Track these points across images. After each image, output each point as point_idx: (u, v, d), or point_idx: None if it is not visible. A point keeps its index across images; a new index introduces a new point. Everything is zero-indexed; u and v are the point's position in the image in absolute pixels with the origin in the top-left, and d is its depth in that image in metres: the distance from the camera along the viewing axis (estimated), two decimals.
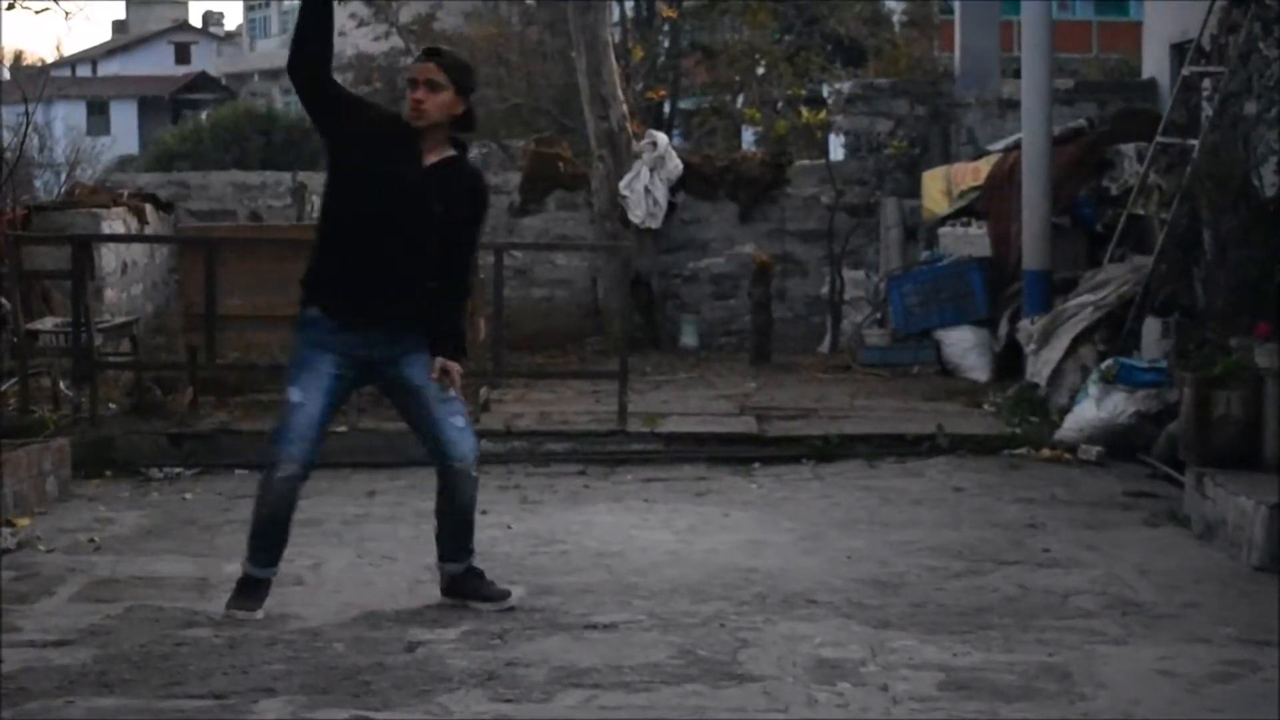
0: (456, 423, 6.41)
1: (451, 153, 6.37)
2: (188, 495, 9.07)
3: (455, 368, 6.38)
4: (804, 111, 17.69)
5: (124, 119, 60.29)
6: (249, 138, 35.22)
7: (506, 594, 6.55)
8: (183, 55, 70.34)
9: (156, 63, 67.83)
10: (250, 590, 6.39)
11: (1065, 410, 10.41)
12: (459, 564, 6.58)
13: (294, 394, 6.30)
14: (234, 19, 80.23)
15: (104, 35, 76.66)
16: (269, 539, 6.41)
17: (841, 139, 16.04)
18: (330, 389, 6.32)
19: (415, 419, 6.48)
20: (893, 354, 13.24)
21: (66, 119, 40.97)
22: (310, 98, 6.30)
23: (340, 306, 6.29)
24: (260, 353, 11.97)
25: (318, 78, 6.29)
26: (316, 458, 6.35)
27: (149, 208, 14.03)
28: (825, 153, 16.12)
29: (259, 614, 6.31)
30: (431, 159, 6.30)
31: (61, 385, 10.53)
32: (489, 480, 9.42)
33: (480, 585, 6.57)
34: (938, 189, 14.11)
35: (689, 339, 14.84)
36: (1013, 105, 14.09)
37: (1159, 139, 11.71)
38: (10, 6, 11.47)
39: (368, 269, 6.25)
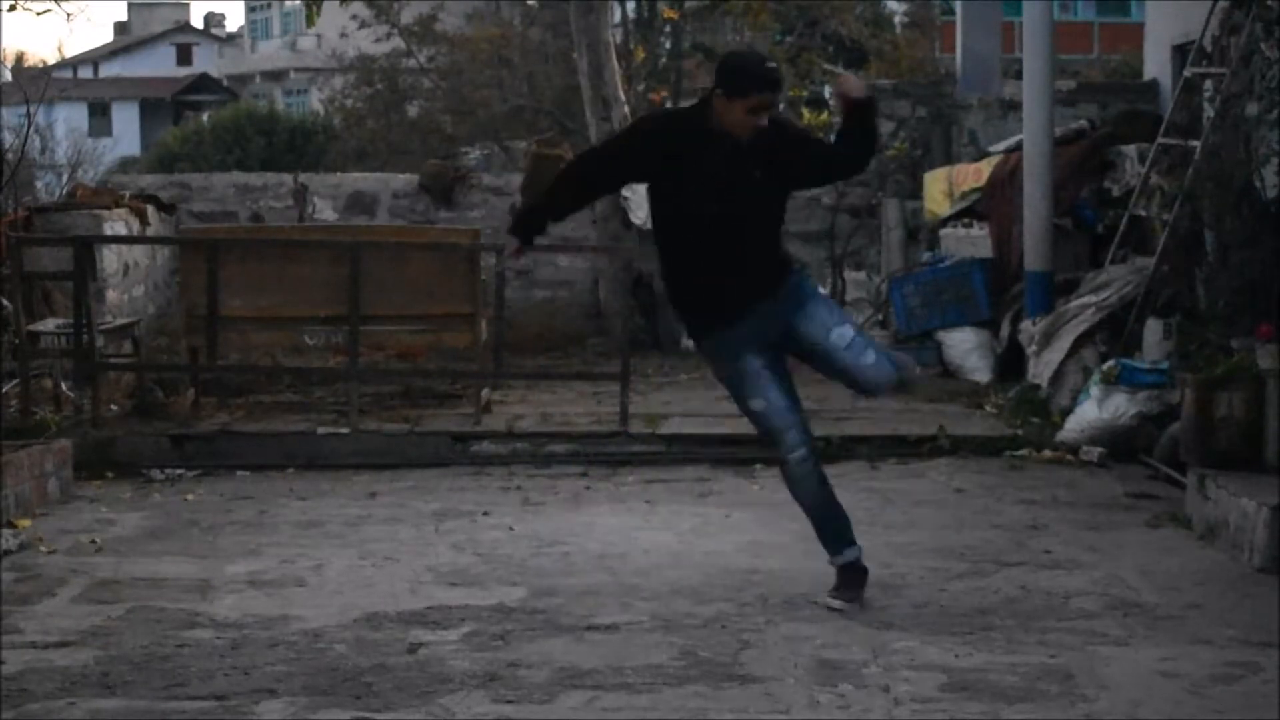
0: (867, 358, 6.51)
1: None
2: (189, 496, 9.07)
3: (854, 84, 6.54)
4: (805, 113, 17.68)
5: (126, 120, 60.35)
6: (250, 139, 35.24)
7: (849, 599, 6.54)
8: (184, 57, 70.38)
9: (158, 64, 67.89)
10: (848, 577, 6.58)
11: (1067, 411, 10.41)
12: (837, 555, 6.65)
13: (755, 404, 6.53)
14: (235, 20, 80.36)
15: (106, 36, 76.81)
16: (827, 523, 6.61)
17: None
18: (772, 375, 6.49)
19: (831, 373, 6.65)
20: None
21: (68, 120, 41.01)
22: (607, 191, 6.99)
23: (714, 311, 6.47)
24: (262, 354, 11.99)
25: (587, 198, 6.88)
26: (810, 433, 6.63)
27: (150, 209, 14.03)
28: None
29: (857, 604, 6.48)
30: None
31: (63, 386, 10.54)
32: (490, 481, 9.46)
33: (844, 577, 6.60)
34: (939, 190, 14.11)
35: (690, 340, 14.82)
36: (1014, 106, 14.09)
37: (1160, 140, 11.71)
38: (12, 8, 11.49)
39: (719, 271, 6.38)
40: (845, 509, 6.76)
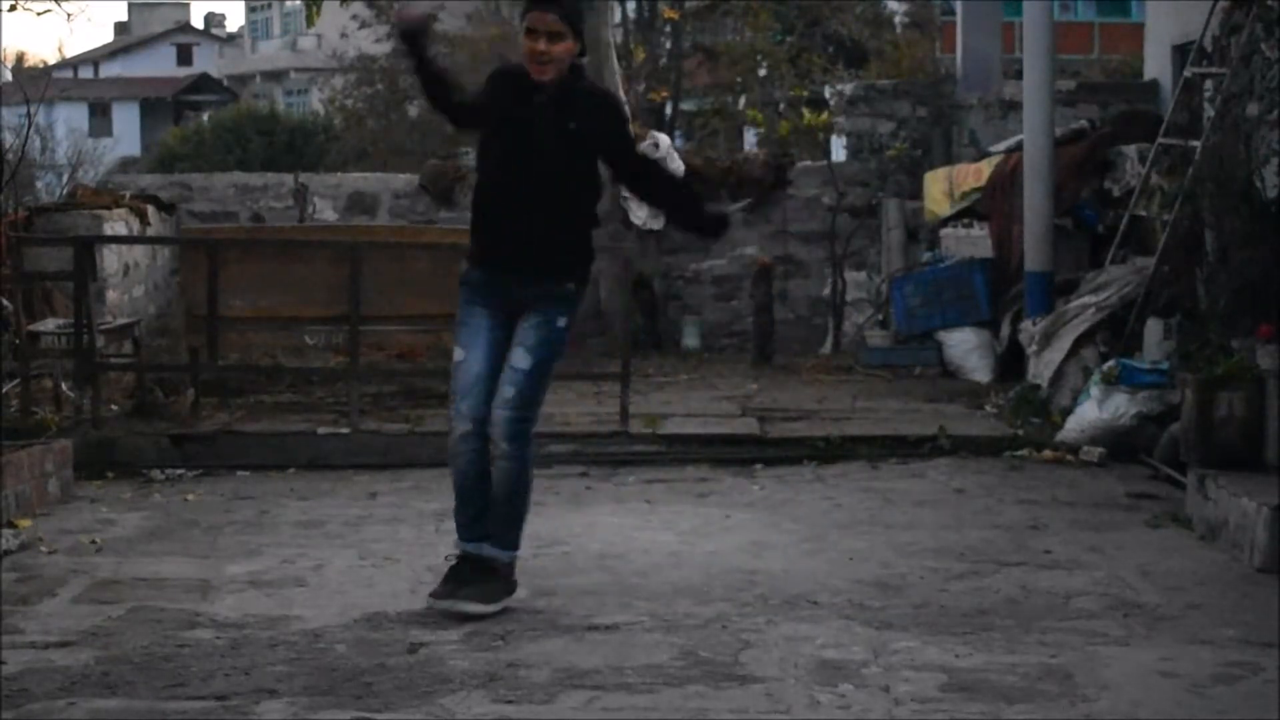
0: (505, 392, 6.32)
1: (569, 79, 6.38)
2: (190, 497, 9.07)
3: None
4: (806, 113, 17.69)
5: (126, 120, 60.38)
6: (251, 139, 35.25)
7: (499, 594, 6.36)
8: (185, 57, 70.42)
9: (158, 64, 67.93)
10: (458, 570, 6.38)
11: (1067, 411, 10.41)
12: (472, 544, 6.44)
13: (457, 352, 6.41)
14: (236, 20, 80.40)
15: (106, 37, 76.84)
16: (466, 506, 6.43)
17: (844, 140, 16.05)
18: (490, 340, 6.36)
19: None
20: (895, 355, 13.24)
21: (69, 120, 41.07)
22: (457, 125, 6.86)
23: (486, 256, 6.42)
24: (262, 354, 11.99)
25: (454, 112, 6.56)
26: (485, 419, 6.33)
27: (151, 209, 14.04)
28: (827, 154, 16.13)
29: (463, 607, 6.27)
30: (549, 92, 6.33)
31: (63, 386, 10.54)
32: None
33: (471, 575, 6.36)
34: (939, 190, 14.12)
35: (691, 340, 14.85)
36: (1014, 106, 14.08)
37: (1161, 140, 11.71)
38: (12, 8, 11.49)
39: (511, 218, 6.34)
40: (486, 506, 6.46)
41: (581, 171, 6.42)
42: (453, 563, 6.45)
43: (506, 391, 6.29)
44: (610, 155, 6.52)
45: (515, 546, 6.48)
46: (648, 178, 6.86)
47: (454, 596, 6.30)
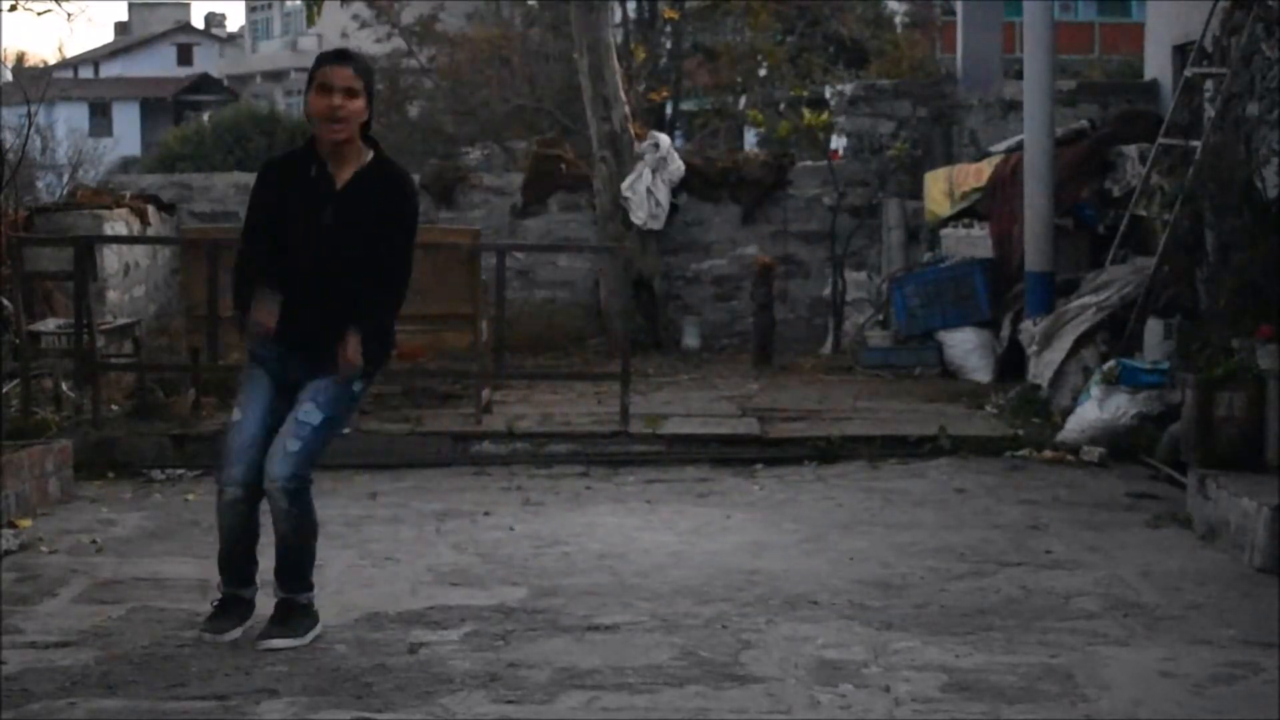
0: (289, 445, 6.01)
1: (370, 156, 6.09)
2: (190, 497, 9.07)
3: (352, 352, 6.03)
4: (806, 113, 17.68)
5: (126, 120, 60.35)
6: (251, 139, 35.23)
7: (271, 635, 6.03)
8: (185, 57, 70.41)
9: (159, 64, 67.91)
10: (224, 609, 6.20)
11: (1067, 411, 10.41)
12: (281, 587, 6.17)
13: (235, 412, 6.19)
14: (236, 20, 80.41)
15: (106, 36, 76.84)
16: (233, 557, 6.24)
17: (844, 140, 16.04)
18: (269, 404, 6.11)
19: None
20: (895, 355, 13.24)
21: (69, 120, 41.03)
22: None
23: (277, 335, 6.05)
24: None
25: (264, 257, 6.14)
26: (255, 482, 6.08)
27: (151, 209, 14.03)
28: (827, 154, 16.12)
29: (236, 633, 6.10)
30: (347, 173, 6.03)
31: (64, 387, 10.53)
32: (491, 481, 9.45)
33: (278, 614, 6.12)
34: (940, 190, 14.12)
35: (691, 340, 14.84)
36: (1015, 106, 14.08)
37: (1161, 140, 11.71)
38: (12, 8, 11.47)
39: (303, 303, 6.01)
40: (256, 557, 6.31)
41: (382, 254, 6.09)
42: (216, 603, 6.25)
43: (291, 444, 6.00)
44: (381, 235, 6.09)
45: (312, 585, 6.22)
46: (378, 275, 6.16)
47: (267, 636, 6.03)
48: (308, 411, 6.05)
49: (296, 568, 6.16)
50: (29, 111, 12.01)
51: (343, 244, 6.02)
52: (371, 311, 6.15)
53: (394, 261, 6.17)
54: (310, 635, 6.07)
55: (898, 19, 28.64)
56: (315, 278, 6.02)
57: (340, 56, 6.01)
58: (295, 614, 6.11)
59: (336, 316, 6.05)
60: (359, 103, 5.94)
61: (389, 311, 6.27)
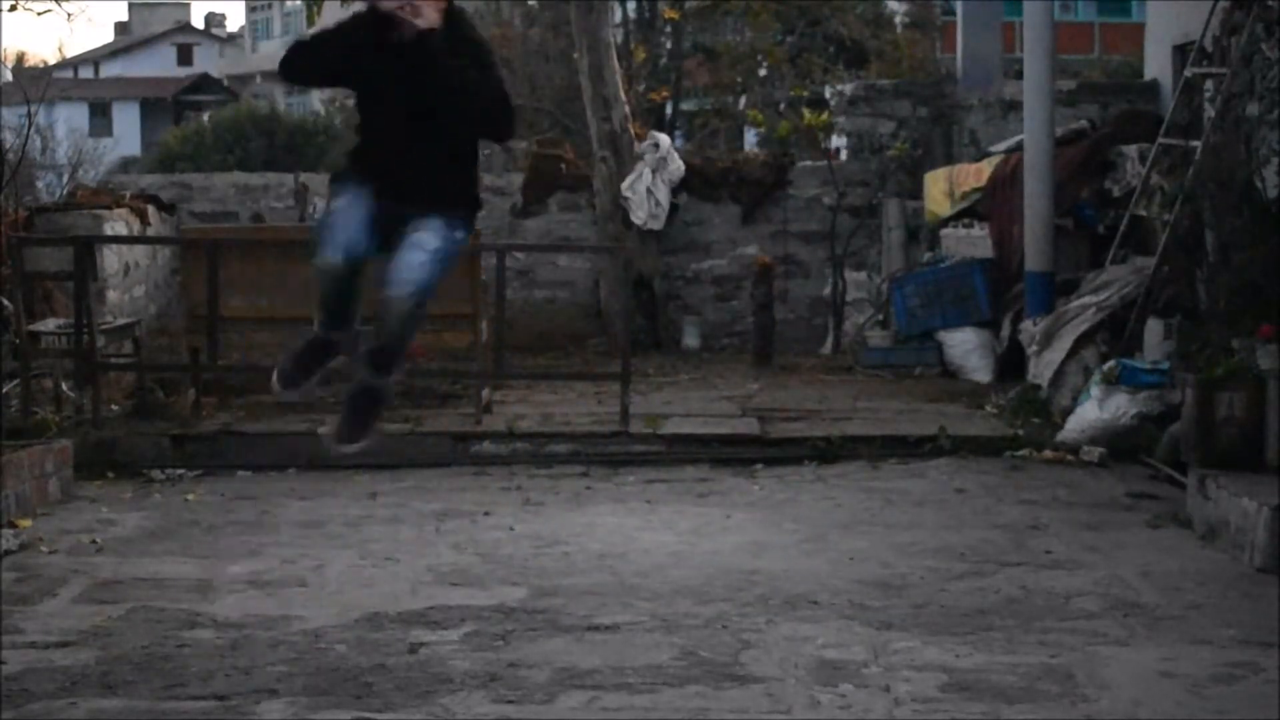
0: (417, 257, 5.89)
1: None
2: (189, 496, 9.07)
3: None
4: (806, 113, 17.68)
5: (126, 120, 60.36)
6: (251, 139, 35.25)
7: (349, 439, 6.21)
8: (185, 57, 70.41)
9: (159, 64, 67.91)
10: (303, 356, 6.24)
11: (1067, 411, 10.41)
12: (374, 371, 6.26)
13: (334, 202, 5.94)
14: (236, 20, 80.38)
15: (106, 37, 76.81)
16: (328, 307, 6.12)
17: (844, 140, 16.04)
18: (368, 210, 5.89)
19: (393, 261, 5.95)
20: (895, 355, 13.24)
21: (69, 120, 41.02)
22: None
23: (364, 174, 5.95)
24: (262, 354, 11.97)
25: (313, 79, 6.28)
26: (359, 255, 5.89)
27: (151, 209, 14.03)
28: (828, 154, 16.13)
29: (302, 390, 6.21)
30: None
31: (64, 387, 10.53)
32: (490, 481, 9.45)
33: (363, 405, 6.22)
34: (940, 190, 14.11)
35: (691, 340, 14.84)
36: (1015, 106, 14.08)
37: (1161, 140, 11.71)
38: (12, 8, 11.48)
39: (388, 154, 5.92)
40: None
41: (457, 105, 5.92)
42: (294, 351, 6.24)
43: (418, 256, 5.89)
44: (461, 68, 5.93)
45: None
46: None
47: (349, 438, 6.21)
48: (422, 237, 5.90)
49: (396, 357, 6.21)
50: (29, 111, 12.01)
51: (432, 87, 5.85)
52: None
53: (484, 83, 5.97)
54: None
55: (898, 19, 28.63)
56: (404, 136, 5.91)
57: None
58: (374, 412, 6.18)
59: (432, 164, 5.99)
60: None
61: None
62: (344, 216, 5.94)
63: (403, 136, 5.97)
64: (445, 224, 6.03)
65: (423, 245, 5.94)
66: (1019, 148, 12.78)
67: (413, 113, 5.94)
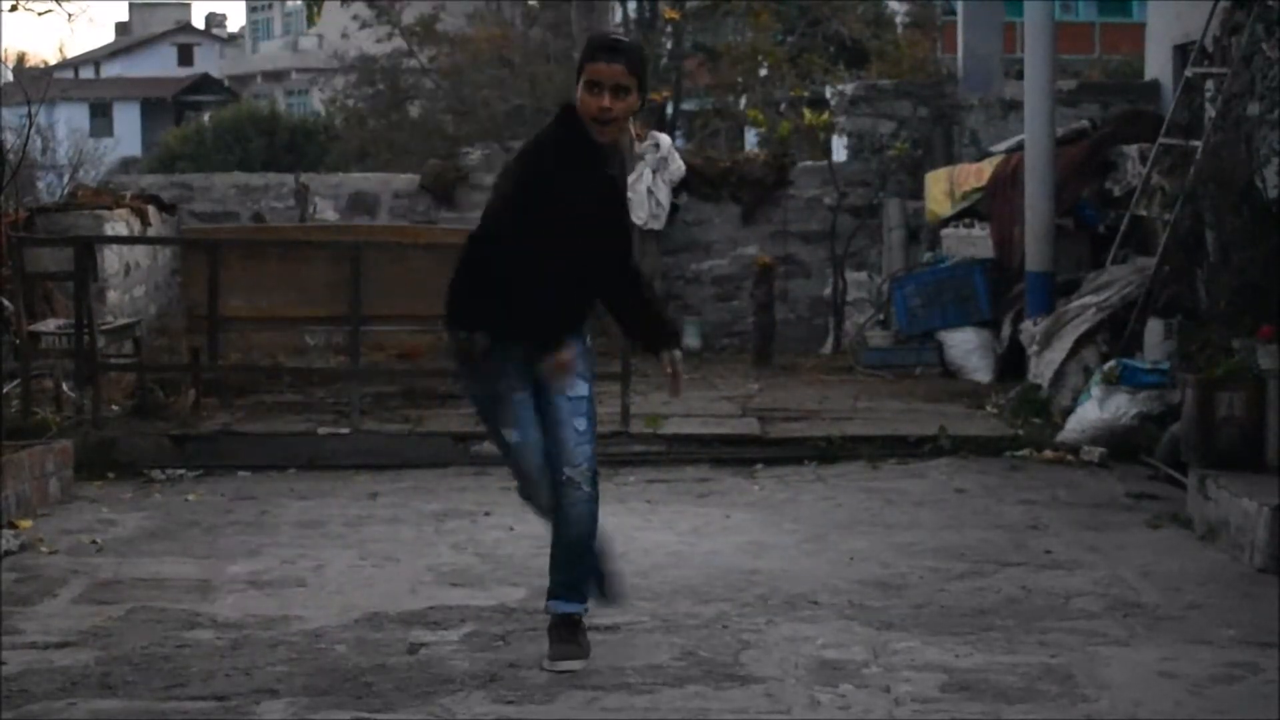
0: (578, 425, 5.68)
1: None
2: (190, 497, 9.07)
3: (563, 358, 5.60)
4: (807, 113, 17.69)
5: (127, 120, 60.40)
6: (251, 139, 35.28)
7: (570, 655, 5.74)
8: (185, 57, 70.45)
9: (159, 64, 67.97)
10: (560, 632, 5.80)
11: (1068, 411, 10.41)
12: (559, 601, 5.82)
13: (510, 434, 5.71)
14: (236, 21, 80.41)
15: (107, 37, 76.90)
16: (587, 562, 5.87)
17: (845, 140, 16.05)
18: (532, 410, 5.70)
19: (544, 417, 5.72)
20: (895, 355, 13.24)
21: (69, 120, 41.05)
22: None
23: (520, 328, 5.61)
24: (263, 354, 11.99)
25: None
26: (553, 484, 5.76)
27: (151, 209, 14.02)
28: (828, 154, 16.13)
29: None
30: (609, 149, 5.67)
31: (64, 387, 10.53)
32: (490, 481, 9.44)
33: (566, 633, 5.78)
34: (940, 190, 14.11)
35: (691, 340, 14.83)
36: (1015, 106, 14.08)
37: (1162, 140, 11.70)
38: (13, 8, 11.49)
39: (554, 292, 5.56)
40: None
41: (618, 227, 5.77)
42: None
43: (579, 424, 5.69)
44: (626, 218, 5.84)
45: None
46: (626, 262, 5.86)
47: (564, 657, 5.75)
48: (571, 384, 5.68)
49: (582, 573, 5.85)
50: (29, 111, 12.00)
51: (605, 226, 5.66)
52: (650, 298, 5.92)
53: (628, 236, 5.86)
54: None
55: (898, 19, 28.65)
56: (575, 264, 5.56)
57: (612, 50, 5.51)
58: (578, 632, 5.82)
59: (583, 302, 5.75)
60: (630, 100, 5.50)
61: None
62: (532, 452, 5.69)
63: (582, 267, 5.59)
64: (586, 381, 5.75)
65: (576, 399, 5.69)
66: (1019, 148, 12.78)
67: (599, 236, 5.60)
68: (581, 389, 5.73)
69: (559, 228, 5.50)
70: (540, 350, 5.60)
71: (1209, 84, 11.52)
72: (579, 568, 5.85)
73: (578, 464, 5.69)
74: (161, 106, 60.42)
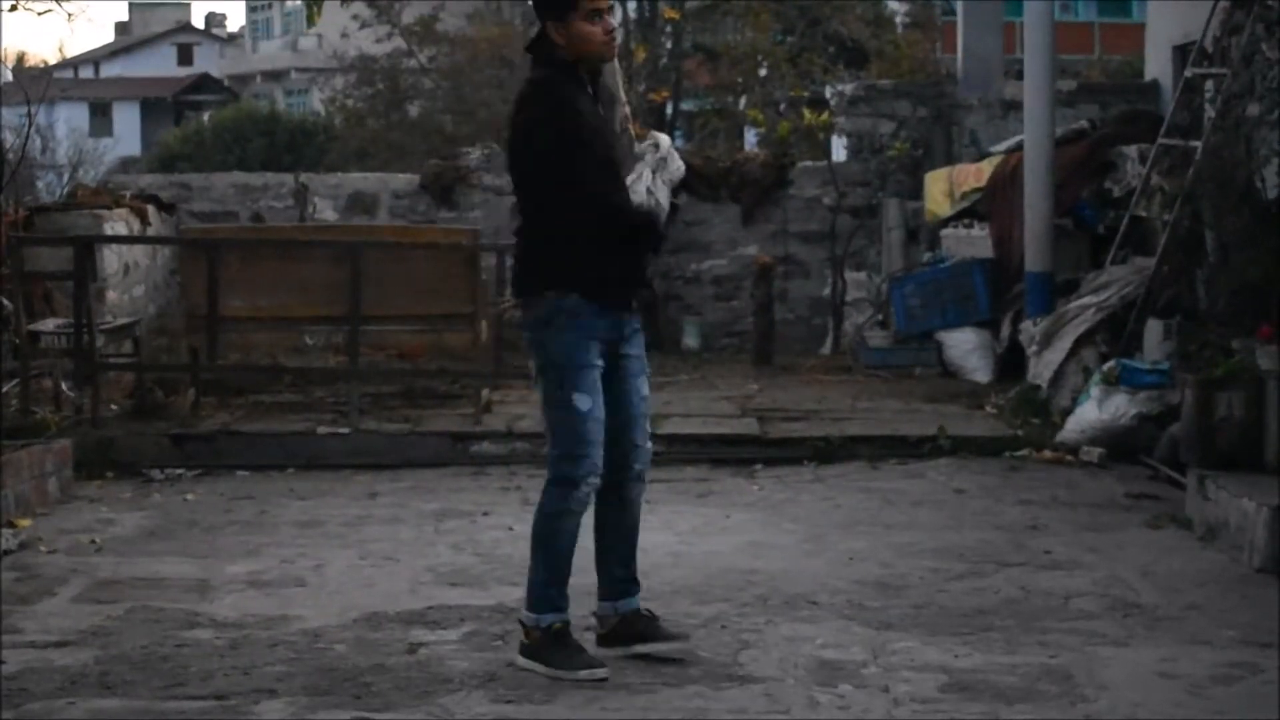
0: (646, 425, 5.78)
1: None
2: (189, 496, 9.07)
3: None
4: (806, 113, 17.69)
5: (126, 120, 60.39)
6: (251, 139, 35.28)
7: (684, 637, 5.83)
8: (185, 57, 70.42)
9: (159, 64, 67.94)
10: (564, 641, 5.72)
11: (1067, 412, 10.40)
12: (630, 600, 5.88)
13: (580, 400, 5.61)
14: (236, 20, 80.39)
15: (107, 37, 76.88)
16: (563, 572, 5.79)
17: (844, 140, 16.05)
18: (603, 386, 5.69)
19: (616, 409, 5.71)
20: (894, 355, 13.23)
21: (69, 120, 41.09)
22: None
23: (605, 289, 5.68)
24: (262, 354, 11.98)
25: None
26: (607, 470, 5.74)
27: (151, 209, 14.02)
28: (828, 154, 16.14)
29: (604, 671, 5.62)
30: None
31: (63, 386, 10.53)
32: (490, 481, 9.45)
33: (652, 622, 5.83)
34: (940, 190, 14.11)
35: (691, 340, 14.84)
36: (1015, 107, 14.08)
37: (1161, 140, 11.70)
38: (13, 8, 11.48)
39: (624, 242, 5.70)
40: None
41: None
42: (559, 632, 5.73)
43: (647, 424, 5.78)
44: None
45: None
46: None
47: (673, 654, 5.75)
48: (644, 383, 5.81)
49: (635, 560, 5.94)
50: (29, 111, 12.00)
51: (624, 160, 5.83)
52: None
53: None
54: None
55: (898, 19, 28.64)
56: (629, 213, 5.79)
57: None
58: (657, 623, 5.85)
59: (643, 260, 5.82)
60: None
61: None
62: (595, 422, 5.62)
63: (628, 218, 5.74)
64: (641, 338, 5.82)
65: (646, 398, 5.79)
66: (1019, 148, 12.77)
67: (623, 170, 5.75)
68: (646, 389, 5.85)
69: (615, 167, 5.75)
70: (626, 308, 5.69)
71: (1209, 84, 11.52)
72: (635, 556, 5.95)
73: (646, 462, 5.85)
74: (161, 106, 60.42)
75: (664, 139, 15.41)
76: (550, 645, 5.66)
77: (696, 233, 15.29)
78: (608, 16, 5.72)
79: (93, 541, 7.80)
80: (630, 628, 5.83)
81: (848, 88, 16.49)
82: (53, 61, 55.03)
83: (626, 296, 5.72)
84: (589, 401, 5.61)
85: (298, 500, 8.93)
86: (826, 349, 14.39)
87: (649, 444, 5.87)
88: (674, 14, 24.05)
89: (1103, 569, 7.25)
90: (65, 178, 20.42)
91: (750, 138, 24.36)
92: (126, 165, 37.89)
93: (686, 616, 6.40)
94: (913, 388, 12.32)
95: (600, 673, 5.57)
